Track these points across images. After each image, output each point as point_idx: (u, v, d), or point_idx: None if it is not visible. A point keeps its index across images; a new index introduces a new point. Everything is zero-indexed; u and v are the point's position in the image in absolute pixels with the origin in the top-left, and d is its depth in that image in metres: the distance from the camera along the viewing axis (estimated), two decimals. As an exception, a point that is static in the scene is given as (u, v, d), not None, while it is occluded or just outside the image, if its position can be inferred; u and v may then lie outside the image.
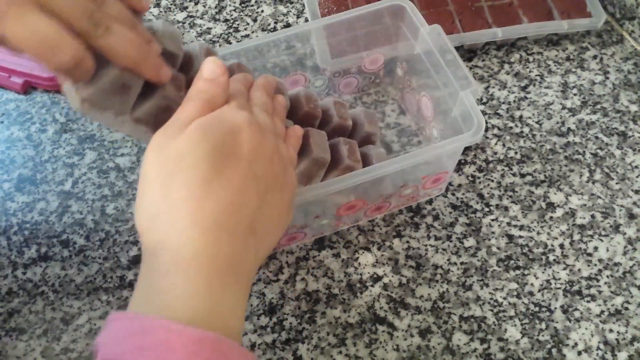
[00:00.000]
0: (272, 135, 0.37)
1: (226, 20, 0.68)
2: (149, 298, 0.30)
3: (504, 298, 0.50)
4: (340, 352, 0.47)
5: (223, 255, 0.31)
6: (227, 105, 0.35)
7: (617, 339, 0.48)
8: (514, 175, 0.56)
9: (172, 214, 0.31)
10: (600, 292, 0.50)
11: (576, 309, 0.49)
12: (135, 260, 0.52)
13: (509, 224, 0.54)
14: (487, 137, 0.59)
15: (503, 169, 0.57)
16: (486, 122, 0.58)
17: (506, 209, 0.54)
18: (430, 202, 0.55)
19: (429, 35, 0.50)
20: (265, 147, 0.35)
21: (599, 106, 0.61)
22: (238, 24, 0.67)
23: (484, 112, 0.60)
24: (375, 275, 0.51)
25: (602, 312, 0.49)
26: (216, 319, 0.30)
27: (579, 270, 0.51)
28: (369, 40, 0.55)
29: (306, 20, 0.67)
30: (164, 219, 0.31)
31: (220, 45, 0.66)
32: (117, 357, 0.27)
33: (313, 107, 0.48)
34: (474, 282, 0.51)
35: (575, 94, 0.62)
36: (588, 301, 0.50)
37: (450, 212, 0.54)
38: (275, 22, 0.67)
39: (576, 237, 0.53)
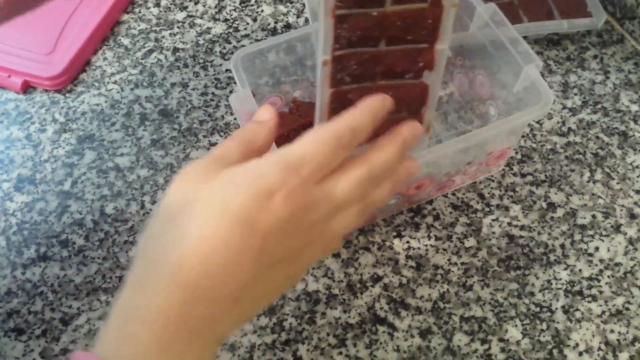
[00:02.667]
0: (319, 209, 0.31)
1: (226, 20, 0.68)
2: (117, 340, 0.29)
3: (505, 298, 0.50)
4: (341, 353, 0.47)
5: (195, 316, 0.29)
6: (272, 159, 0.30)
7: (618, 340, 0.48)
8: (514, 175, 0.56)
9: (157, 258, 0.29)
10: (601, 292, 0.50)
11: (577, 310, 0.49)
12: (135, 261, 0.52)
13: (509, 224, 0.53)
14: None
15: (503, 169, 0.56)
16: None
17: (507, 208, 0.54)
18: (430, 202, 0.55)
19: (486, 13, 0.51)
20: (295, 222, 0.30)
21: (599, 106, 0.60)
22: (238, 24, 0.67)
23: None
24: (375, 276, 0.51)
25: (603, 312, 0.49)
26: None
27: (580, 270, 0.51)
28: None
29: (306, 20, 0.67)
30: (150, 256, 0.30)
31: (219, 45, 0.66)
32: None
33: None
34: (474, 282, 0.50)
35: (575, 94, 0.61)
36: (589, 301, 0.49)
37: (450, 212, 0.54)
38: (276, 22, 0.67)
39: (577, 237, 0.53)
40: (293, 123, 0.54)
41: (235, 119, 0.60)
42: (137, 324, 0.28)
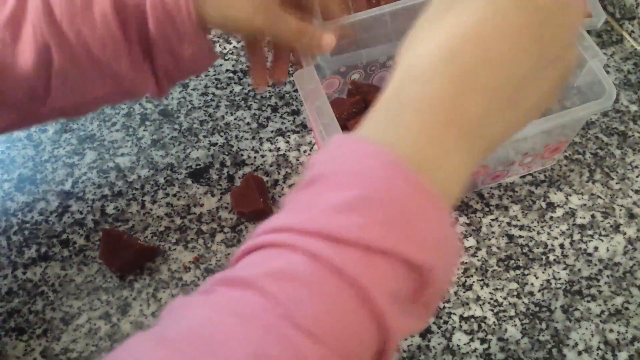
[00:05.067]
0: None
1: (226, 21, 0.68)
2: (384, 125, 0.28)
3: (504, 298, 0.50)
4: (340, 352, 0.47)
5: (468, 112, 0.27)
6: None
7: (617, 339, 0.48)
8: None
9: (430, 47, 0.28)
10: (600, 292, 0.50)
11: (576, 309, 0.49)
12: (135, 260, 0.52)
13: (509, 223, 0.54)
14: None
15: (503, 169, 0.57)
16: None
17: (506, 208, 0.54)
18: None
19: None
20: (569, 8, 0.29)
21: (599, 106, 0.61)
22: (238, 24, 0.67)
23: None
24: (375, 275, 0.51)
25: (603, 312, 0.49)
26: (438, 176, 0.27)
27: (579, 270, 0.51)
28: None
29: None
30: (418, 50, 0.28)
31: (220, 45, 0.66)
32: (334, 173, 0.27)
33: None
34: (474, 282, 0.51)
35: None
36: (588, 301, 0.50)
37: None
38: (275, 22, 0.67)
39: (576, 237, 0.53)
40: (347, 106, 0.55)
41: (235, 118, 0.60)
42: (406, 112, 0.27)
